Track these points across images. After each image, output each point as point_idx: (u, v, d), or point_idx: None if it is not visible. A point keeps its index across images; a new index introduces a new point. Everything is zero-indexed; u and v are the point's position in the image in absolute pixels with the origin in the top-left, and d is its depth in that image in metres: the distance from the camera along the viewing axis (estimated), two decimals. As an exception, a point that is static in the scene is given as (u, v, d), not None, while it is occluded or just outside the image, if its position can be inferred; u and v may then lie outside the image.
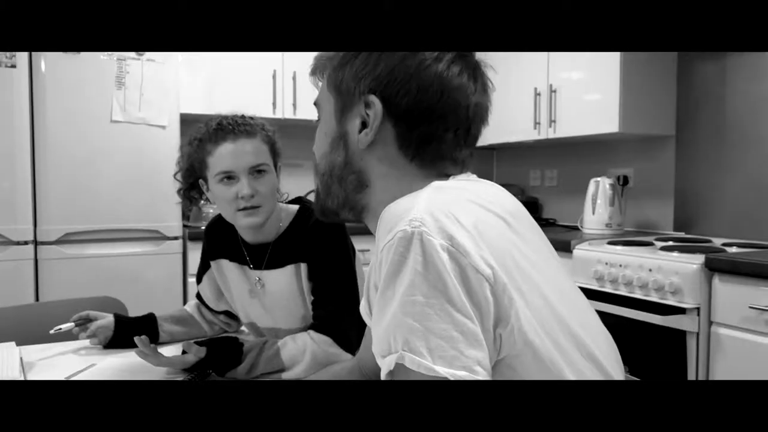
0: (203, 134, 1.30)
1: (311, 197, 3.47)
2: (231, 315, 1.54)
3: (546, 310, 0.68)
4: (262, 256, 1.37)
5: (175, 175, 1.38)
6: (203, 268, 1.48)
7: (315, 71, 0.83)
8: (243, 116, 1.32)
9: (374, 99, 0.75)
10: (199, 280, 1.50)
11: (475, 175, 0.82)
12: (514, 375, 0.65)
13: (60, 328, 1.35)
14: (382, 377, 0.64)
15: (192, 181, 1.35)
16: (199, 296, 1.53)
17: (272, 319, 1.39)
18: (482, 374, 0.61)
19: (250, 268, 1.39)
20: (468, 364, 0.60)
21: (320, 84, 0.83)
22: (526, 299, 0.66)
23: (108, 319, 1.40)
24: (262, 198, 1.28)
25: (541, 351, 0.65)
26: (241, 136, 1.27)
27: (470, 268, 0.62)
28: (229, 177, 1.27)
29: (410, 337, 0.60)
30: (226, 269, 1.43)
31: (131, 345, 1.37)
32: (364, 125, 0.76)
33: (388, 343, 0.63)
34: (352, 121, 0.77)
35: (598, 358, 0.73)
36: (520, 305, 0.64)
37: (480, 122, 0.80)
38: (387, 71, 0.74)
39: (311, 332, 1.26)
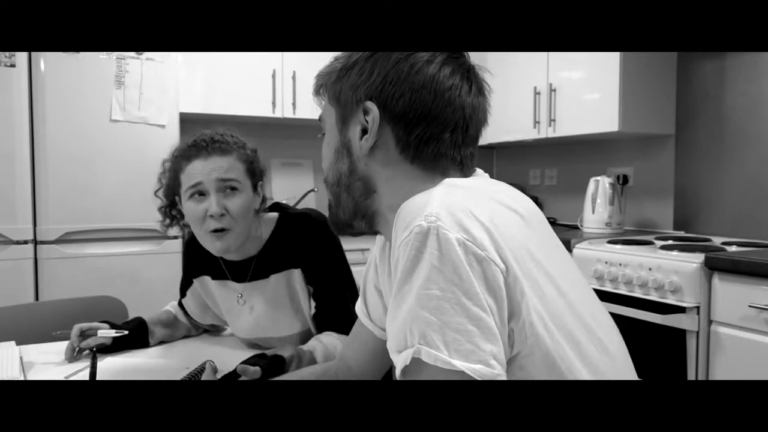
0: (180, 150, 1.28)
1: (310, 196, 3.47)
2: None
3: (560, 300, 0.69)
4: (245, 270, 1.35)
5: (156, 192, 1.34)
6: (186, 283, 1.47)
7: (317, 91, 0.85)
8: (222, 134, 1.28)
9: (371, 105, 0.77)
10: (182, 294, 1.48)
11: (487, 175, 0.84)
12: (523, 375, 0.66)
13: (62, 333, 1.34)
14: (398, 372, 0.65)
15: (172, 199, 1.32)
16: (182, 306, 1.51)
17: (262, 330, 1.37)
18: (498, 368, 0.61)
19: (234, 281, 1.37)
20: (484, 357, 0.61)
21: (323, 102, 0.85)
22: (542, 290, 0.67)
23: (106, 339, 1.35)
24: (232, 220, 1.24)
25: (550, 348, 0.66)
26: (214, 153, 1.24)
27: (486, 260, 0.63)
28: (199, 193, 1.24)
29: (427, 330, 0.61)
30: (211, 286, 1.42)
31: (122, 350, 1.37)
32: (364, 132, 0.78)
33: (404, 337, 0.63)
34: (353, 128, 0.79)
35: (612, 353, 0.74)
36: (531, 299, 0.65)
37: (478, 122, 0.81)
38: (381, 77, 0.77)
39: (332, 333, 1.26)
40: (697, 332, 1.97)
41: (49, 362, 1.30)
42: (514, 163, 3.80)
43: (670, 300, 2.03)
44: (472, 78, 0.80)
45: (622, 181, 3.04)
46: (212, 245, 1.27)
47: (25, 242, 2.58)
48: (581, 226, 3.00)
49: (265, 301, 1.35)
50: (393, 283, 0.67)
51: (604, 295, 2.23)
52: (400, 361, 0.64)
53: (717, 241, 2.43)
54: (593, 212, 2.90)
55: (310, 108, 3.09)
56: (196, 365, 1.22)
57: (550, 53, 2.95)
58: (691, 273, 1.97)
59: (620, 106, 2.63)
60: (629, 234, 2.80)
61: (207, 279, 1.41)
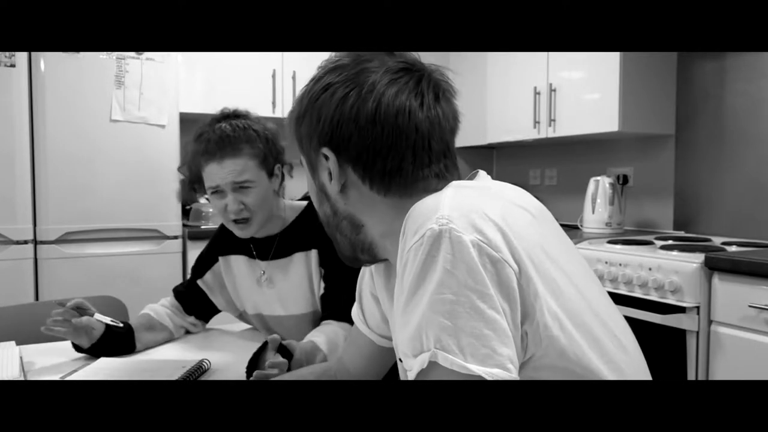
0: (198, 146, 1.35)
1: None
2: (199, 317, 1.54)
3: (579, 298, 0.68)
4: (269, 248, 1.43)
5: (179, 168, 1.45)
6: (210, 262, 1.52)
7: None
8: (234, 126, 1.34)
9: (326, 151, 0.77)
10: (201, 274, 1.51)
11: (489, 177, 0.82)
12: (538, 377, 0.65)
13: (62, 303, 1.33)
14: (412, 376, 0.64)
15: (194, 179, 1.40)
16: (180, 296, 1.52)
17: (280, 308, 1.43)
18: (514, 372, 0.61)
19: (258, 259, 1.44)
20: (501, 362, 0.60)
21: None
22: (561, 289, 0.66)
23: (97, 324, 1.35)
24: (251, 210, 1.35)
25: (566, 348, 0.65)
26: (226, 156, 1.31)
27: (501, 262, 0.62)
28: (218, 191, 1.34)
29: (442, 334, 0.61)
30: (234, 263, 1.48)
31: (106, 355, 1.34)
32: (331, 175, 0.78)
33: (420, 341, 0.62)
34: (322, 173, 0.79)
35: (630, 351, 0.74)
36: (545, 299, 0.64)
37: (442, 132, 0.77)
38: (327, 122, 0.76)
39: (332, 321, 1.31)
40: (697, 332, 1.97)
41: (49, 362, 1.30)
42: (514, 163, 3.80)
43: (670, 300, 2.02)
44: (423, 90, 0.76)
45: (622, 181, 3.04)
46: (237, 232, 1.39)
47: (25, 242, 2.58)
48: (581, 226, 3.00)
49: (285, 279, 1.41)
50: (402, 288, 0.66)
51: (604, 295, 2.23)
52: (416, 365, 0.63)
53: (717, 241, 2.43)
54: (593, 212, 2.90)
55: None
56: (192, 364, 1.22)
57: (550, 53, 2.95)
58: (691, 273, 1.97)
59: (620, 106, 2.63)
60: (629, 234, 2.80)
61: (233, 257, 1.49)
